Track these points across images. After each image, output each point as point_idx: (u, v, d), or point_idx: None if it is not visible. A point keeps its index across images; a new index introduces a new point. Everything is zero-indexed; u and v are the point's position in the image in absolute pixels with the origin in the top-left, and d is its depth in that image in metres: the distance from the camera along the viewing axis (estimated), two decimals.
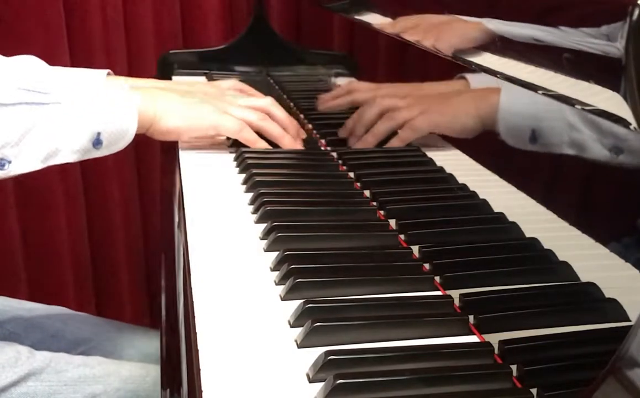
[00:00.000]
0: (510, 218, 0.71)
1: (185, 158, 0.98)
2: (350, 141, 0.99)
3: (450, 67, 0.77)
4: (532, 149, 0.65)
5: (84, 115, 0.83)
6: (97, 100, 0.85)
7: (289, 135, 0.98)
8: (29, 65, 0.86)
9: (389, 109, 0.94)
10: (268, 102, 1.00)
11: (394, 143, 0.93)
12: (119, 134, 0.86)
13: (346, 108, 1.07)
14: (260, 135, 0.98)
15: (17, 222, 1.62)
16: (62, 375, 0.91)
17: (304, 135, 1.02)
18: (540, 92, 0.56)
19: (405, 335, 0.56)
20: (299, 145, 0.99)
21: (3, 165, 0.79)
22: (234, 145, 1.01)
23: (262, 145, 0.96)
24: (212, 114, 0.95)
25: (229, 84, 1.11)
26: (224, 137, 1.06)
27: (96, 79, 0.89)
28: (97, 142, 0.84)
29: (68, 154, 0.83)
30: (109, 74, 0.98)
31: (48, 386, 0.89)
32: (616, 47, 0.43)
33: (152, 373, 0.96)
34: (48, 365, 0.90)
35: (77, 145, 0.83)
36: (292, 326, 0.57)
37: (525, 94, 0.60)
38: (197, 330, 0.56)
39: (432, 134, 0.91)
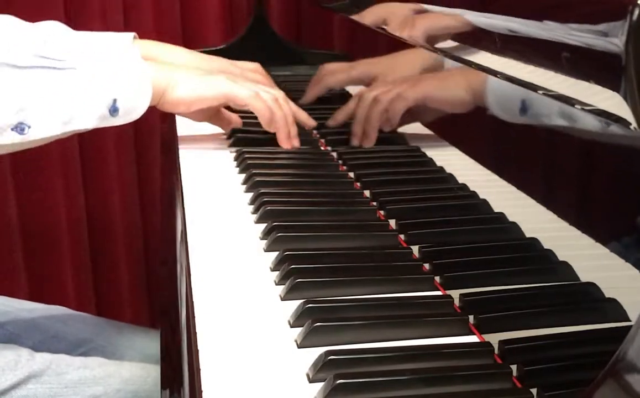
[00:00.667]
0: (510, 219, 0.71)
1: (186, 158, 0.98)
2: (353, 142, 0.99)
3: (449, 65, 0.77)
4: (523, 121, 0.65)
5: (100, 81, 0.83)
6: (112, 68, 0.85)
7: (291, 132, 0.98)
8: (49, 31, 0.87)
9: (377, 95, 0.95)
10: (281, 94, 1.00)
11: (386, 124, 0.94)
12: (134, 102, 0.87)
13: (324, 94, 1.12)
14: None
15: (17, 222, 1.62)
16: (63, 377, 0.91)
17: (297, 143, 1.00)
18: (540, 92, 0.56)
19: (405, 335, 0.56)
20: (289, 145, 0.98)
21: (23, 130, 0.78)
22: (234, 144, 1.01)
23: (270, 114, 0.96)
24: (225, 82, 0.95)
25: (252, 66, 1.10)
26: (224, 134, 1.06)
27: (122, 41, 0.92)
28: (113, 109, 0.84)
29: (86, 119, 0.83)
30: (135, 37, 1.02)
31: (48, 388, 0.89)
32: (616, 47, 0.43)
33: (153, 373, 0.96)
34: (48, 367, 0.90)
35: (95, 111, 0.83)
36: (292, 326, 0.57)
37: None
38: (197, 330, 0.56)
39: (432, 134, 0.91)
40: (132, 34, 1.04)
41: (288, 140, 0.98)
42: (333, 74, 1.14)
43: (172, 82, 0.92)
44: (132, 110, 0.87)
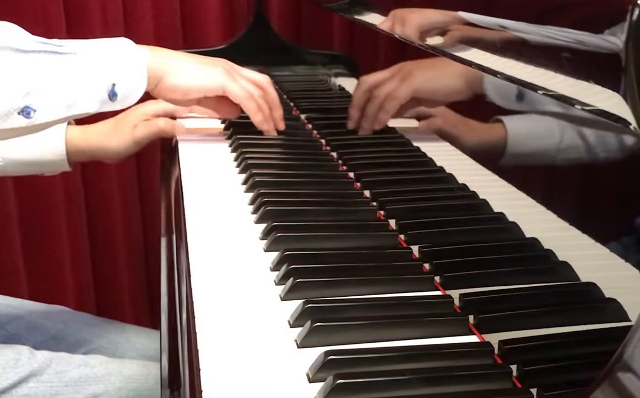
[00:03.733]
0: (510, 218, 0.71)
1: (186, 158, 0.98)
2: (349, 124, 1.01)
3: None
4: (518, 108, 0.65)
5: (100, 66, 0.84)
6: (110, 53, 0.86)
7: (271, 122, 1.02)
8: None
9: (373, 87, 0.96)
10: (267, 81, 1.03)
11: (382, 116, 0.94)
12: (132, 86, 0.87)
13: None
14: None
15: (18, 222, 1.62)
16: (63, 376, 0.91)
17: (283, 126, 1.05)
18: (540, 92, 0.56)
19: (405, 335, 0.56)
20: (274, 132, 1.02)
21: (29, 114, 0.78)
22: (232, 135, 1.01)
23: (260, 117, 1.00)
24: (221, 75, 0.97)
25: (256, 77, 1.04)
26: (224, 134, 1.06)
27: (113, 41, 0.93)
28: (112, 94, 0.85)
29: (89, 103, 0.83)
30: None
31: (49, 386, 0.89)
32: (616, 47, 0.43)
33: (154, 371, 0.96)
34: (49, 366, 0.90)
35: (96, 95, 0.84)
36: (292, 326, 0.57)
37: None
38: (197, 330, 0.56)
39: (432, 134, 0.91)
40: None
41: (272, 130, 1.02)
42: (392, 98, 0.99)
43: (169, 68, 0.93)
44: (130, 95, 0.87)
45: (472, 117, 0.77)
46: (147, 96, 0.92)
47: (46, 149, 1.07)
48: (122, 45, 0.88)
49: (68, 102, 0.81)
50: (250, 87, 0.99)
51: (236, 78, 0.99)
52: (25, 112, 0.78)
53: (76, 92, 0.82)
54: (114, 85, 0.85)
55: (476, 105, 0.74)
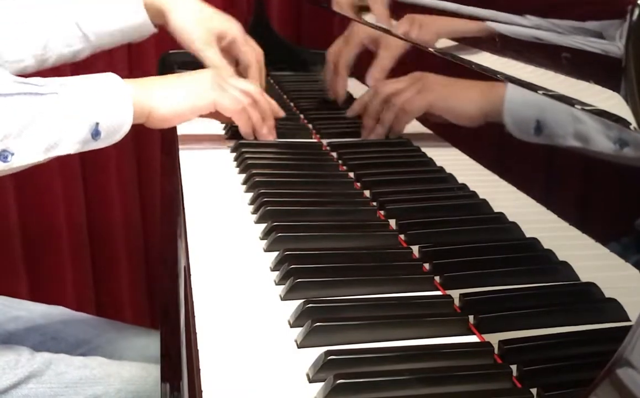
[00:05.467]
0: (510, 218, 0.71)
1: (185, 158, 0.98)
2: (363, 134, 1.00)
3: (450, 66, 0.77)
4: (536, 141, 0.64)
5: (82, 106, 0.82)
6: (93, 91, 0.84)
7: (266, 126, 1.00)
8: None
9: (391, 95, 0.94)
10: (256, 90, 1.01)
11: (397, 126, 0.94)
12: (117, 124, 0.85)
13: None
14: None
15: (18, 222, 1.62)
16: (63, 377, 0.91)
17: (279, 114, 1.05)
18: (540, 92, 0.56)
19: (405, 335, 0.56)
20: (272, 136, 1.01)
21: (6, 158, 0.77)
22: (233, 137, 1.01)
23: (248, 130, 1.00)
24: (210, 92, 0.95)
25: (245, 87, 1.03)
26: (224, 135, 1.06)
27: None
28: (95, 133, 0.83)
29: (69, 145, 0.82)
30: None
31: (49, 388, 0.89)
32: (616, 47, 0.43)
33: (153, 373, 0.96)
34: (48, 367, 0.90)
35: (77, 136, 0.82)
36: (292, 326, 0.57)
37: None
38: (197, 330, 0.56)
39: (432, 134, 0.91)
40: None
41: (268, 134, 1.01)
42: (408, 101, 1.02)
43: (157, 99, 0.91)
44: (115, 132, 0.86)
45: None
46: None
47: (128, 16, 1.08)
48: (106, 81, 0.87)
49: (48, 144, 0.80)
50: (241, 97, 0.98)
51: (226, 89, 0.97)
52: (2, 156, 0.77)
53: (57, 134, 0.80)
54: (97, 124, 0.83)
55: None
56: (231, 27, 1.12)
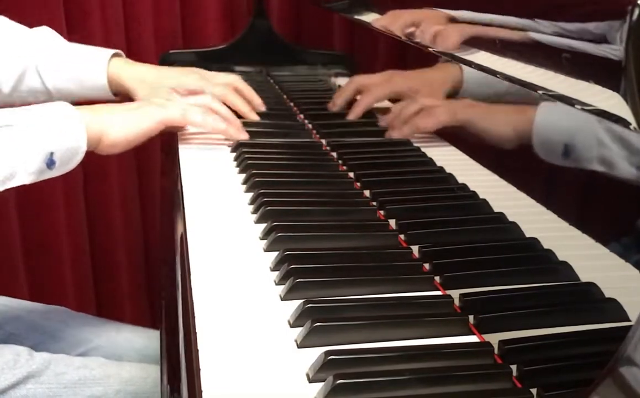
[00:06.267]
0: (510, 218, 0.71)
1: (185, 158, 0.98)
2: (388, 133, 1.00)
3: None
4: (564, 164, 0.63)
5: (37, 136, 0.82)
6: (47, 121, 0.84)
7: (234, 125, 1.02)
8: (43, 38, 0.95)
9: (428, 107, 0.94)
10: (232, 79, 1.09)
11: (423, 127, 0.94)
12: (71, 152, 0.86)
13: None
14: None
15: (17, 222, 1.62)
16: (62, 377, 0.90)
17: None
18: (540, 92, 0.56)
19: (405, 335, 0.56)
20: (242, 136, 1.02)
21: None
22: (234, 144, 1.01)
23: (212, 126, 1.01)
24: (155, 110, 0.97)
25: (224, 80, 1.14)
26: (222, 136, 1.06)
27: (100, 58, 1.02)
28: (50, 163, 0.84)
29: (24, 176, 0.82)
30: (117, 54, 1.10)
31: (47, 388, 0.89)
32: (616, 47, 0.43)
33: (153, 374, 0.96)
34: (47, 367, 0.90)
35: (32, 167, 0.82)
36: (292, 326, 0.57)
37: (560, 107, 0.59)
38: (197, 330, 0.56)
39: (431, 134, 0.91)
40: (111, 52, 1.10)
41: (238, 133, 1.02)
42: (375, 87, 1.10)
43: (106, 125, 0.91)
44: (69, 160, 0.86)
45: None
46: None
47: (88, 83, 1.10)
48: (59, 110, 0.86)
49: (3, 176, 0.80)
50: (187, 103, 1.01)
51: (168, 101, 1.00)
52: None
53: (11, 166, 0.80)
54: (51, 153, 0.83)
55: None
56: (184, 81, 1.12)
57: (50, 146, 0.83)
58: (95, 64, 1.10)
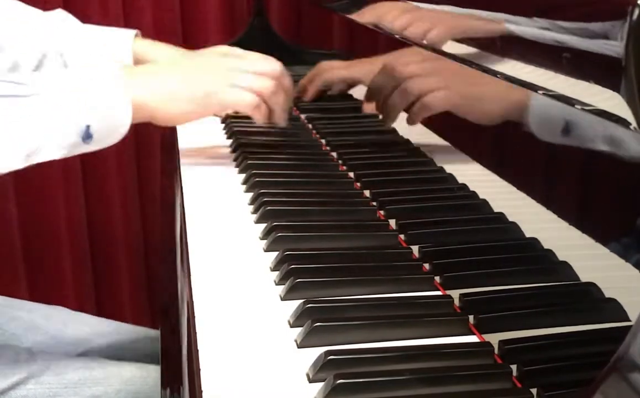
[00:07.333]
0: (510, 218, 0.71)
1: (185, 157, 0.98)
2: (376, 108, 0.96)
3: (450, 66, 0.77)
4: (563, 143, 0.61)
5: (69, 107, 0.76)
6: (84, 91, 0.78)
7: (285, 113, 0.94)
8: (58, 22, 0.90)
9: (410, 76, 0.87)
10: (280, 70, 0.92)
11: (412, 118, 0.86)
12: (112, 126, 0.79)
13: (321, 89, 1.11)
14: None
15: (17, 222, 1.62)
16: (62, 378, 0.90)
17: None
18: (540, 92, 0.56)
19: (405, 335, 0.56)
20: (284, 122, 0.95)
21: None
22: (232, 135, 1.01)
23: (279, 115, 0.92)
24: (219, 91, 0.87)
25: (269, 69, 0.93)
26: (224, 135, 1.06)
27: (123, 39, 0.95)
28: (86, 136, 0.77)
29: (53, 150, 0.76)
30: (137, 35, 1.03)
31: (48, 389, 0.89)
32: (616, 47, 0.43)
33: (153, 374, 0.96)
34: (48, 368, 0.90)
35: (63, 140, 0.76)
36: (292, 326, 0.57)
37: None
38: (197, 330, 0.56)
39: (431, 133, 0.91)
40: (133, 32, 1.04)
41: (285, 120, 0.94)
42: (331, 69, 1.13)
43: (161, 99, 0.84)
44: (110, 134, 0.80)
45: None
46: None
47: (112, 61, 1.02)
48: (102, 76, 0.80)
49: (28, 150, 0.74)
50: (257, 82, 0.88)
51: (239, 81, 0.88)
52: None
53: (37, 138, 0.74)
54: (87, 126, 0.77)
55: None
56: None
57: (86, 118, 0.76)
58: (119, 45, 1.02)
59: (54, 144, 0.76)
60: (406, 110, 0.89)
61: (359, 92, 1.22)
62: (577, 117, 0.59)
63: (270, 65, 0.92)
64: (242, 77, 0.88)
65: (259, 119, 0.90)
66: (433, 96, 0.83)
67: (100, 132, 0.78)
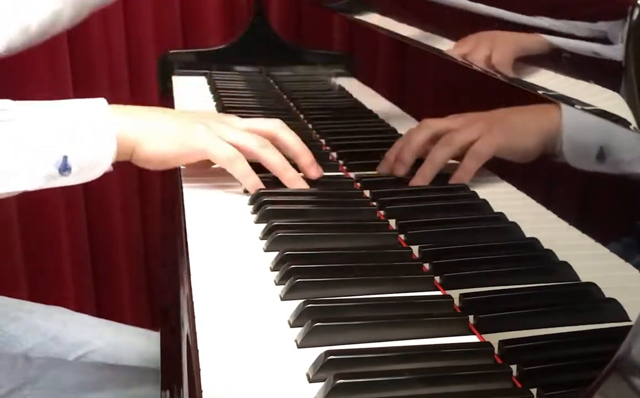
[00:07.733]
0: (510, 218, 0.71)
1: None
2: (396, 169, 0.86)
3: (451, 66, 0.77)
4: (598, 170, 0.59)
5: (46, 135, 0.72)
6: (63, 118, 0.74)
7: (293, 170, 0.83)
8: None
9: (443, 131, 0.82)
10: (276, 125, 0.84)
11: (459, 175, 0.81)
12: (92, 157, 0.75)
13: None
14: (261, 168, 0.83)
15: (17, 222, 1.62)
16: (60, 382, 0.90)
17: (319, 173, 0.85)
18: (540, 92, 0.56)
19: (405, 335, 0.56)
20: (303, 184, 0.83)
21: None
22: None
23: (254, 181, 0.81)
24: (203, 135, 0.80)
25: (264, 127, 0.85)
26: None
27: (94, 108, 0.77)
28: (64, 168, 0.73)
29: (27, 180, 0.72)
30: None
31: (45, 393, 0.88)
32: (616, 47, 0.43)
33: (151, 377, 0.96)
34: (45, 372, 0.90)
35: (37, 169, 0.72)
36: (292, 326, 0.57)
37: None
38: (197, 331, 0.56)
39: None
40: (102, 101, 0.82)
41: (296, 179, 0.83)
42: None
43: (143, 132, 0.78)
44: (91, 168, 0.75)
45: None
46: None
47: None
48: (84, 107, 0.75)
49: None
50: (243, 137, 0.81)
51: (224, 134, 0.81)
52: None
53: (11, 167, 0.70)
54: (65, 157, 0.72)
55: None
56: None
57: (63, 148, 0.72)
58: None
59: (28, 174, 0.72)
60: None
61: (359, 92, 1.22)
62: (613, 139, 0.55)
63: (264, 124, 0.85)
64: (228, 131, 0.82)
65: (239, 175, 0.82)
66: (481, 143, 0.78)
67: (79, 165, 0.74)
